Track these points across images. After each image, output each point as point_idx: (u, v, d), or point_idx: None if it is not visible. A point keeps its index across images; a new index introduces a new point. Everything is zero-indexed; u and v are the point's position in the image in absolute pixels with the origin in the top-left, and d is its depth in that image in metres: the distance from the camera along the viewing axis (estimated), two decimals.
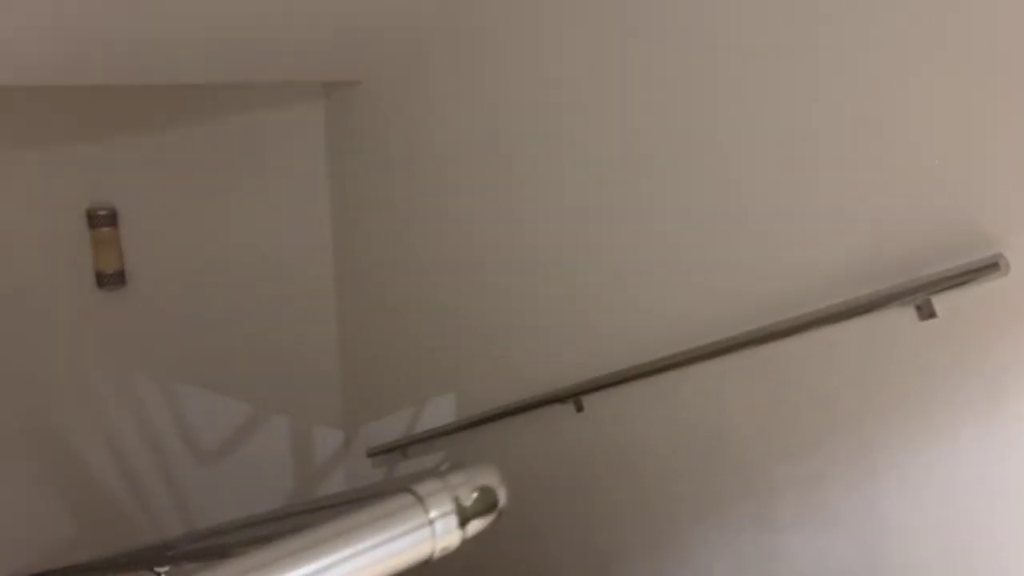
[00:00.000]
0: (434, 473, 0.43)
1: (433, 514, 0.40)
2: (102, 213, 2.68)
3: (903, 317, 1.28)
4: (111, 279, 2.74)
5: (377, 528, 0.38)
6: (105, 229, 2.70)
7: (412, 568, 0.40)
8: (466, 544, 0.43)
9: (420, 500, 0.40)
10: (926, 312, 1.25)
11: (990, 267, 1.14)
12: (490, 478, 0.43)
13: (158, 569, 0.98)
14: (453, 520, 0.41)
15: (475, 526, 0.42)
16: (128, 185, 2.69)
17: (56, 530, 2.78)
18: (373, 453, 2.98)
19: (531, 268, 2.11)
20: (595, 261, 1.90)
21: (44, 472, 2.76)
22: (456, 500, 0.41)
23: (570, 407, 2.01)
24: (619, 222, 1.81)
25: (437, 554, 0.40)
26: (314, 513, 0.59)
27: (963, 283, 1.19)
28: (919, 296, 1.25)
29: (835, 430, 1.45)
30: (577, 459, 2.11)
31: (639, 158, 1.72)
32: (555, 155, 1.94)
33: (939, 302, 1.23)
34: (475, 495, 0.42)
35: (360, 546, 0.37)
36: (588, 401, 1.98)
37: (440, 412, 2.59)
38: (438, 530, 0.40)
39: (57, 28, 1.77)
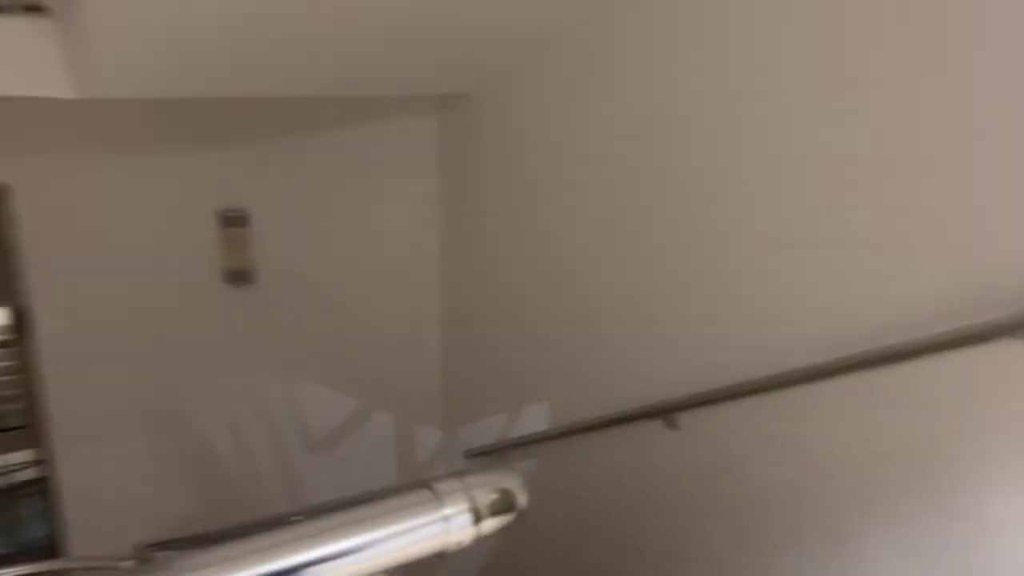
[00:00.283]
0: (456, 473, 0.46)
1: (448, 511, 0.43)
2: (234, 214, 2.91)
3: (1015, 350, 1.20)
4: (240, 276, 2.97)
5: (392, 519, 0.42)
6: (236, 229, 2.93)
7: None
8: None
9: (436, 496, 0.43)
10: None
11: None
12: (510, 482, 0.46)
13: None
14: (467, 517, 0.44)
15: (490, 524, 0.44)
16: (258, 189, 2.91)
17: (179, 503, 3.03)
18: (469, 455, 3.05)
19: (625, 282, 2.11)
20: (688, 278, 1.88)
21: (172, 451, 3.01)
22: (472, 499, 0.44)
23: (662, 423, 1.99)
24: (716, 240, 1.78)
25: (451, 547, 0.43)
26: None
27: None
28: None
29: (937, 469, 1.37)
30: (668, 475, 2.08)
31: (740, 177, 1.69)
32: (655, 171, 1.94)
33: None
34: (493, 496, 0.44)
35: (373, 535, 0.41)
36: (680, 418, 1.96)
37: (534, 419, 2.62)
38: (451, 525, 0.43)
39: (200, 46, 1.95)
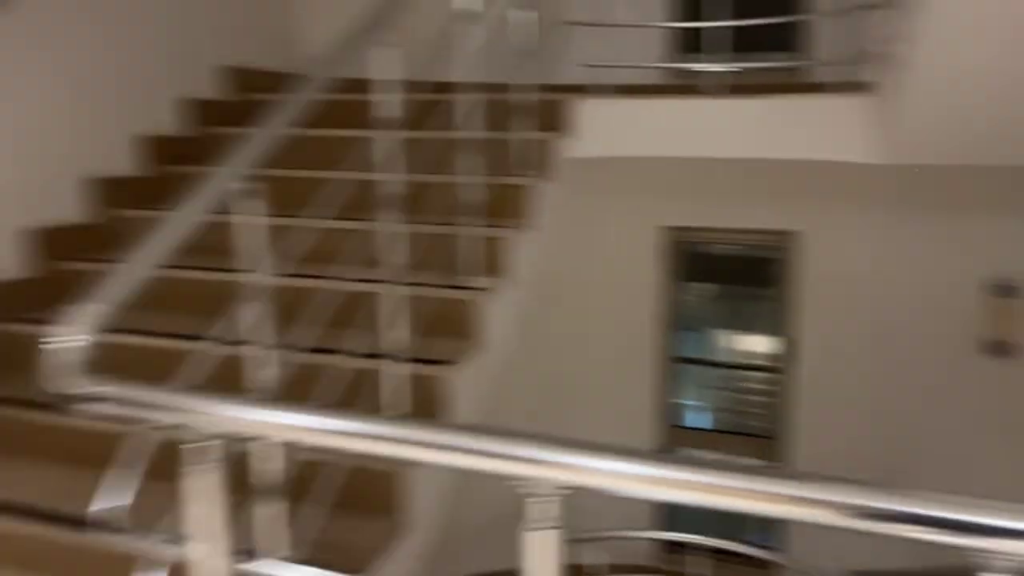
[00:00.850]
0: None
1: None
2: (1005, 284, 2.75)
3: None
4: (1003, 349, 2.79)
5: None
6: (1006, 300, 2.77)
7: None
8: None
9: None
10: None
11: None
12: None
13: None
14: None
15: None
16: None
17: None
18: None
19: None
20: None
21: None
22: None
23: None
24: None
25: None
26: None
27: None
28: None
29: None
30: None
31: None
32: None
33: None
34: None
35: None
36: None
37: None
38: None
39: (1008, 116, 1.95)
